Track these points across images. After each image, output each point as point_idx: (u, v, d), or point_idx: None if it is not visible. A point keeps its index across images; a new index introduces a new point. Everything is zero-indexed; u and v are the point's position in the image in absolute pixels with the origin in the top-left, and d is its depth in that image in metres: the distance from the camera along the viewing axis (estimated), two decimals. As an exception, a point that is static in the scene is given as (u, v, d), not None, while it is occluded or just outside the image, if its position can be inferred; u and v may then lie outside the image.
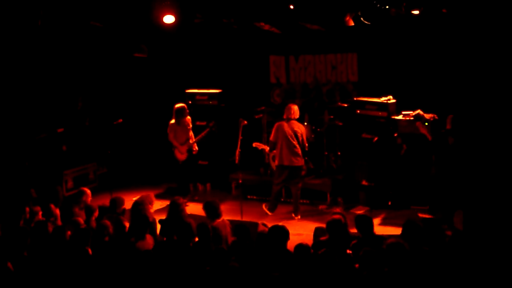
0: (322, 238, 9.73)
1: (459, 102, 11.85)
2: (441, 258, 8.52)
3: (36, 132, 15.06)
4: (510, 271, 8.41)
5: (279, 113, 15.15)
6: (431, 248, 8.80)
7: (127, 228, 10.11)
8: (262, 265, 8.72)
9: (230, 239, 10.28)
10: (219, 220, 10.55)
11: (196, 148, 14.51)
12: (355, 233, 9.76)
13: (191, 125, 14.53)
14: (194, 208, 13.80)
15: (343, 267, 8.41)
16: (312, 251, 8.87)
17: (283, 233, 9.33)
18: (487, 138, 8.71)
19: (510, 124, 8.63)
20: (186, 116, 14.40)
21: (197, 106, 15.58)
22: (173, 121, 14.35)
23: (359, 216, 9.79)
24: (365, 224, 9.54)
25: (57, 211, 11.36)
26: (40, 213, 11.14)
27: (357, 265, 8.35)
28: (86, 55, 16.18)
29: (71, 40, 15.45)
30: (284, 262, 8.81)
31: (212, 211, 10.70)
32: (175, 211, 10.79)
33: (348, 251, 9.19)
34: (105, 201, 13.49)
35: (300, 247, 8.80)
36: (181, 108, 14.31)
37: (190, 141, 14.39)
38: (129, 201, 11.95)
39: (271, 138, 13.31)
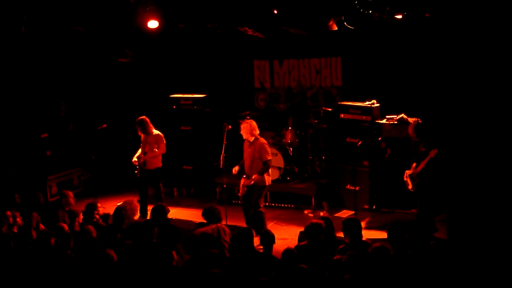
0: (302, 243, 9.70)
1: (442, 105, 11.94)
2: (424, 262, 8.55)
3: (21, 138, 15.00)
4: (494, 274, 8.47)
5: (264, 118, 15.16)
6: (414, 252, 8.82)
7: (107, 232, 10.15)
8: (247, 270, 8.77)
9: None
10: (218, 225, 10.56)
11: (142, 162, 13.54)
12: (342, 237, 9.64)
13: (160, 144, 13.61)
14: (177, 213, 13.83)
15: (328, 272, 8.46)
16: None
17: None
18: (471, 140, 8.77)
19: (494, 124, 8.70)
20: (147, 128, 13.59)
21: (182, 111, 15.56)
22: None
23: (347, 219, 9.61)
24: (353, 227, 9.31)
25: (38, 217, 11.28)
26: (18, 219, 11.06)
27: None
28: (69, 60, 16.12)
29: (55, 45, 15.40)
30: (271, 267, 8.84)
31: (212, 215, 10.73)
32: (159, 215, 10.76)
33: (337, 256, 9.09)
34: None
35: (288, 252, 8.80)
36: (138, 121, 13.70)
37: (143, 156, 13.56)
38: (113, 206, 11.89)
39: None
